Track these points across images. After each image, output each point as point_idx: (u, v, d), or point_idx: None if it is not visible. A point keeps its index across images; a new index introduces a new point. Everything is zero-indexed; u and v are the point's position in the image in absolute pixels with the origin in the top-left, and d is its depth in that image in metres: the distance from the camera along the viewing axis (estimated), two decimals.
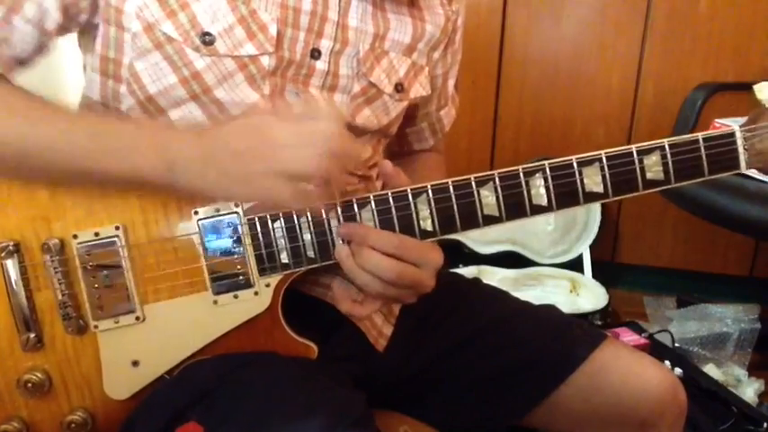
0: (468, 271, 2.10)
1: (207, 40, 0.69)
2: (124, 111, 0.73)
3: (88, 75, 0.75)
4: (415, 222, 0.71)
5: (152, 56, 0.69)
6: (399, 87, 0.82)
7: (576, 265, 2.17)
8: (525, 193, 0.72)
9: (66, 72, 1.71)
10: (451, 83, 0.96)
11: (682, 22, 2.06)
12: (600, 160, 0.72)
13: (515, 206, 0.72)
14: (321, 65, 0.76)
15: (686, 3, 2.04)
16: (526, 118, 2.24)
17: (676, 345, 1.80)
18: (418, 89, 0.85)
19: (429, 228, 0.71)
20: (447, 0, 0.87)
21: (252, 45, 0.70)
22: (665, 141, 0.72)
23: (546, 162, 0.71)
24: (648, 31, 2.09)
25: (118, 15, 0.69)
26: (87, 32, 0.74)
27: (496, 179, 0.71)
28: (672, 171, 0.72)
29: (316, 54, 0.75)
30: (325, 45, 0.75)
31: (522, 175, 0.72)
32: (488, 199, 0.71)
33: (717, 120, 1.66)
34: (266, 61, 0.71)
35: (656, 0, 2.06)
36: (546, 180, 0.72)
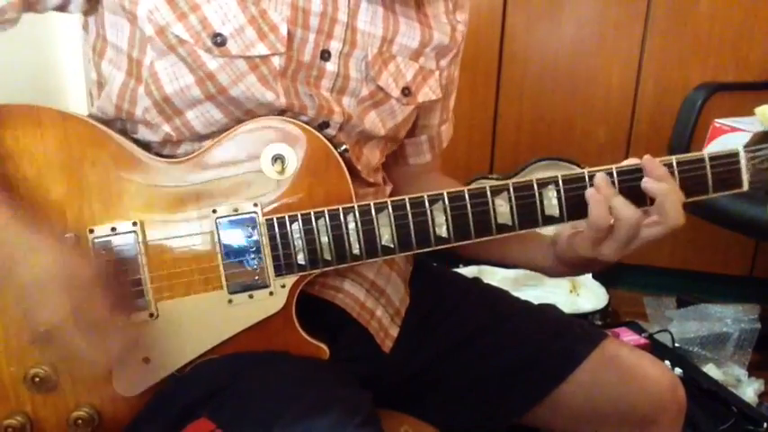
0: (468, 271, 2.09)
1: (218, 41, 0.69)
2: (138, 114, 0.73)
3: (110, 73, 0.75)
4: (431, 228, 0.72)
5: (170, 57, 0.70)
6: (406, 91, 0.82)
7: None
8: (538, 203, 0.73)
9: (67, 75, 1.71)
10: (452, 98, 0.96)
11: (682, 22, 2.06)
12: (611, 174, 0.73)
13: (528, 216, 0.74)
14: (331, 66, 0.76)
15: (686, 3, 2.04)
16: (526, 118, 2.24)
17: (676, 345, 1.80)
18: (427, 93, 0.85)
19: (444, 234, 0.73)
20: (452, 9, 0.87)
21: (263, 45, 0.70)
22: (674, 158, 0.74)
23: (559, 174, 0.73)
24: (648, 31, 2.09)
25: (133, 19, 0.70)
26: (100, 33, 0.74)
27: (511, 189, 0.73)
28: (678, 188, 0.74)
29: (326, 56, 0.75)
30: (335, 47, 0.75)
31: (535, 185, 0.73)
32: (502, 208, 0.73)
33: (717, 120, 1.66)
34: (277, 62, 0.71)
35: (656, 0, 2.06)
36: (559, 192, 0.73)
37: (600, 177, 0.72)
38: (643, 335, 1.71)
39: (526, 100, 2.23)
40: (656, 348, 1.67)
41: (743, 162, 0.76)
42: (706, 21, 2.04)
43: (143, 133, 0.74)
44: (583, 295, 2.05)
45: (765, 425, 1.40)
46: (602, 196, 0.72)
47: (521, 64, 2.20)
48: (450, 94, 0.94)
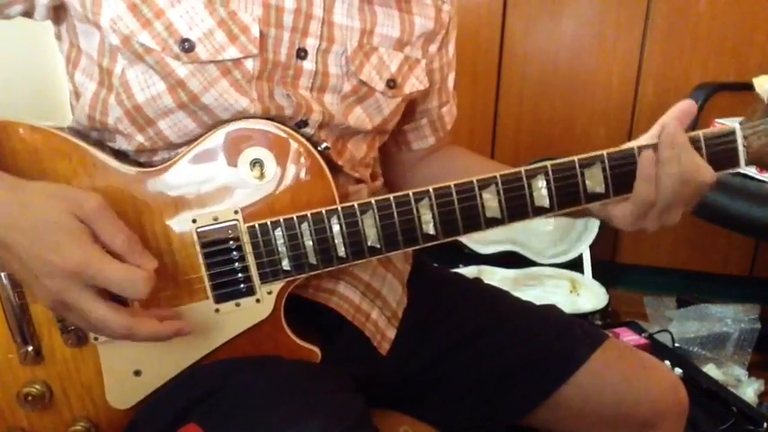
0: (468, 271, 2.10)
1: (186, 46, 0.66)
2: (111, 123, 0.71)
3: (83, 83, 0.73)
4: (418, 226, 0.70)
5: (140, 65, 0.68)
6: (391, 83, 0.79)
7: (576, 265, 2.17)
8: (527, 195, 0.72)
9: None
10: (451, 78, 0.93)
11: (682, 22, 2.06)
12: (602, 160, 0.71)
13: (517, 208, 0.72)
14: (308, 65, 0.73)
15: (686, 2, 2.04)
16: (526, 117, 2.24)
17: (676, 345, 1.80)
18: (414, 83, 0.83)
19: (431, 231, 0.71)
20: None
21: (235, 48, 0.68)
22: None
23: (548, 163, 0.71)
24: (648, 31, 2.09)
25: (98, 29, 0.68)
26: (74, 42, 0.73)
27: (499, 181, 0.71)
28: None
29: (302, 54, 0.73)
30: (311, 44, 0.73)
31: (524, 176, 0.71)
32: (490, 201, 0.71)
33: (717, 120, 1.66)
34: (250, 65, 0.69)
35: (656, 0, 2.06)
36: (548, 182, 0.71)
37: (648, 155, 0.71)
38: (643, 335, 1.71)
39: (526, 100, 2.23)
40: (656, 348, 1.67)
41: (739, 140, 0.74)
42: (706, 21, 2.04)
43: (119, 142, 0.73)
44: (583, 295, 2.05)
45: (765, 425, 1.40)
46: (652, 172, 0.70)
47: (521, 64, 2.20)
48: (446, 76, 0.92)
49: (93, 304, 0.60)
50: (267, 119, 0.71)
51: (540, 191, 0.72)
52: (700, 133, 0.73)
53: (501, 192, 0.71)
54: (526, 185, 0.71)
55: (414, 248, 0.73)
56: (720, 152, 0.73)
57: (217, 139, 0.70)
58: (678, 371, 1.55)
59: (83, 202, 0.59)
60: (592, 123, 2.20)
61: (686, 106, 0.73)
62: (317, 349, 0.74)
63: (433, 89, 0.90)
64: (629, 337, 1.68)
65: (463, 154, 0.96)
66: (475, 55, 2.18)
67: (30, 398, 0.69)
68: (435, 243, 0.72)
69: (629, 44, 2.11)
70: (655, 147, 0.71)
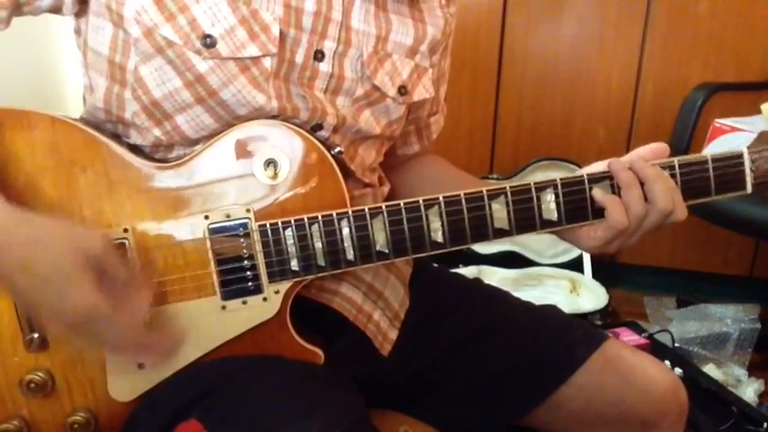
0: (468, 271, 2.10)
1: (208, 42, 0.68)
2: (128, 117, 0.72)
3: (94, 79, 0.74)
4: (426, 234, 0.71)
5: (155, 60, 0.69)
6: (403, 90, 0.81)
7: (576, 265, 2.17)
8: (536, 207, 0.73)
9: (67, 75, 1.71)
10: (443, 90, 0.95)
11: (682, 22, 2.06)
12: (610, 177, 0.73)
13: (525, 220, 0.73)
14: (325, 67, 0.75)
15: (686, 3, 2.04)
16: (526, 118, 2.25)
17: (676, 345, 1.80)
18: (422, 92, 0.84)
19: (439, 239, 0.72)
20: (445, 2, 0.86)
21: (255, 46, 0.69)
22: (675, 160, 0.73)
23: (558, 178, 0.72)
24: (648, 31, 2.09)
25: (119, 20, 0.69)
26: (84, 33, 0.73)
27: (508, 193, 0.72)
28: (680, 190, 0.73)
29: (319, 56, 0.74)
30: (329, 47, 0.74)
31: (533, 190, 0.72)
32: (499, 213, 0.72)
33: (717, 120, 1.66)
34: (268, 63, 0.70)
35: (656, 0, 2.06)
36: (557, 196, 0.72)
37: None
38: (643, 335, 1.71)
39: (526, 100, 2.23)
40: (656, 348, 1.67)
41: (747, 164, 0.74)
42: (706, 21, 2.04)
43: (134, 137, 0.73)
44: (583, 295, 2.05)
45: (765, 425, 1.40)
46: (618, 199, 0.72)
47: (521, 64, 2.20)
48: (439, 87, 0.92)
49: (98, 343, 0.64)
50: (283, 118, 0.72)
51: (549, 204, 0.73)
52: (707, 155, 0.74)
53: (510, 203, 0.72)
54: (535, 198, 0.72)
55: (421, 255, 0.73)
56: (727, 175, 0.74)
57: (232, 137, 0.71)
58: (678, 371, 1.55)
59: (90, 244, 0.60)
60: (592, 123, 2.20)
61: (660, 149, 0.74)
62: (320, 352, 0.75)
63: (427, 100, 0.90)
64: (629, 337, 1.68)
65: (438, 163, 0.98)
66: (475, 55, 2.18)
67: (32, 385, 0.70)
68: (442, 251, 0.73)
69: (629, 44, 2.11)
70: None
